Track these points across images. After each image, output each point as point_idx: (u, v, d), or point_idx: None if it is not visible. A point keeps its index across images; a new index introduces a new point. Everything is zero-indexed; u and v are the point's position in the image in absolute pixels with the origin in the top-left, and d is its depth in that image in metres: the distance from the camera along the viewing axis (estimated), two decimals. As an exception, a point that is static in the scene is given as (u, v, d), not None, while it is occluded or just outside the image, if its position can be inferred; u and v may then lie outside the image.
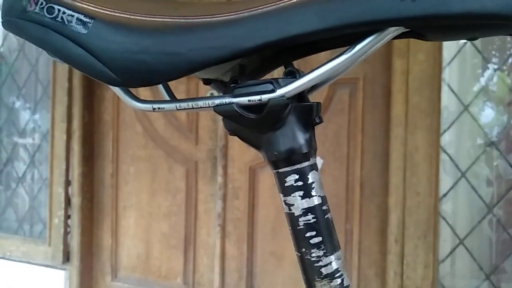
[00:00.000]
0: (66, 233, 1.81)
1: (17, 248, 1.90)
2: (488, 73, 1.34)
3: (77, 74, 1.79)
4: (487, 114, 1.35)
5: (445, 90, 1.34)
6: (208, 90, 1.59)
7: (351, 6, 0.25)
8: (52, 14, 0.27)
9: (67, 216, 1.81)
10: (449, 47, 1.35)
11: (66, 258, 1.81)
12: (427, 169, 1.30)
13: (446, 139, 1.35)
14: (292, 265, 1.51)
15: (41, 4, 0.27)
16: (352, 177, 1.43)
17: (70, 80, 1.80)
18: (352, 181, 1.43)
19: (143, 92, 1.65)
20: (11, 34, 2.08)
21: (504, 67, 1.32)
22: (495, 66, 1.33)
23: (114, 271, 1.79)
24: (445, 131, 1.34)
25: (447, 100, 1.36)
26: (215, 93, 1.63)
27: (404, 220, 1.32)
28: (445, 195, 1.35)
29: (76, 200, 1.79)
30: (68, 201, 1.81)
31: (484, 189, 1.33)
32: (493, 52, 1.34)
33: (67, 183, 1.81)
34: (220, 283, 1.60)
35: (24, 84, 2.04)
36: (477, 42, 1.34)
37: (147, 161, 1.74)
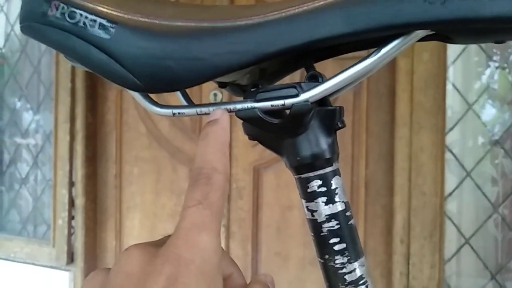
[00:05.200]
0: (70, 234, 1.81)
1: (21, 250, 1.90)
2: (490, 71, 1.34)
3: (79, 75, 1.79)
4: (490, 112, 1.35)
5: (449, 89, 1.33)
6: (210, 91, 1.59)
7: (379, 9, 0.25)
8: (74, 19, 0.27)
9: (71, 217, 1.81)
10: (453, 46, 1.34)
11: (70, 259, 1.81)
12: (432, 169, 1.30)
13: (450, 138, 1.35)
14: (297, 265, 1.51)
15: (63, 8, 0.27)
16: (357, 177, 1.43)
17: (72, 80, 1.80)
18: (357, 182, 1.43)
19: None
20: (12, 35, 2.07)
21: (506, 65, 1.32)
22: (497, 64, 1.33)
23: (118, 272, 1.79)
24: (450, 130, 1.34)
25: (452, 99, 1.35)
26: (219, 94, 1.63)
27: (410, 221, 1.31)
28: (450, 194, 1.34)
29: (79, 201, 1.78)
30: (72, 202, 1.81)
31: (489, 188, 1.33)
32: (494, 50, 1.34)
33: (71, 184, 1.81)
34: (224, 283, 1.60)
35: (27, 85, 2.04)
36: (482, 41, 1.33)
37: (151, 161, 1.73)
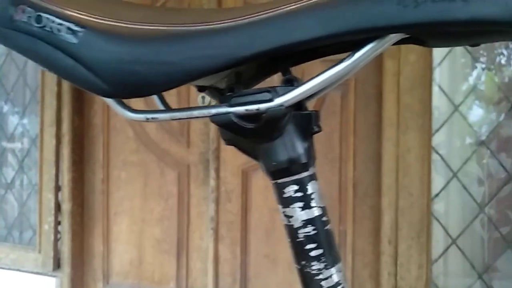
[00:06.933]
0: (56, 240, 1.78)
1: (7, 256, 1.87)
2: (476, 72, 1.35)
3: (65, 78, 1.77)
4: (477, 113, 1.36)
5: (435, 90, 1.34)
6: (198, 94, 1.58)
7: (353, 12, 0.25)
8: (40, 23, 0.26)
9: (58, 222, 1.79)
10: (439, 48, 1.35)
11: (57, 265, 1.78)
12: (419, 170, 1.30)
13: (437, 139, 1.35)
14: (286, 267, 1.51)
15: (29, 13, 0.26)
16: (345, 178, 1.43)
17: (59, 83, 1.78)
18: (345, 183, 1.43)
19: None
20: (-3, 38, 2.05)
21: (492, 66, 1.33)
22: (483, 66, 1.34)
23: (106, 278, 1.77)
24: (436, 131, 1.35)
25: (438, 101, 1.36)
26: (207, 97, 1.62)
27: (397, 221, 1.32)
28: (437, 195, 1.35)
29: (66, 206, 1.76)
30: (58, 207, 1.79)
31: (475, 189, 1.34)
32: (481, 52, 1.35)
33: (57, 188, 1.79)
34: (213, 287, 1.59)
35: (12, 89, 2.01)
36: (467, 42, 1.34)
37: (138, 165, 1.72)
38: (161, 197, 1.68)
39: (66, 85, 1.77)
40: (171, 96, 1.62)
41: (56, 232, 1.78)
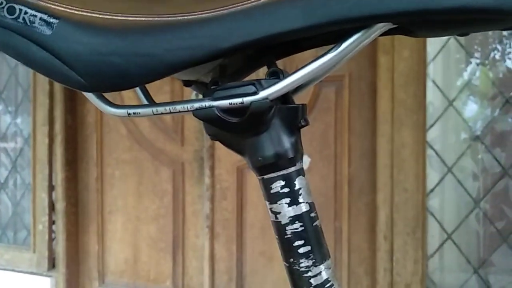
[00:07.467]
0: (51, 239, 1.77)
1: (1, 256, 1.86)
2: (471, 68, 1.35)
3: (58, 77, 1.75)
4: (471, 108, 1.36)
5: (429, 85, 1.34)
6: (193, 90, 1.57)
7: (336, 1, 0.24)
8: (13, 15, 0.25)
9: (52, 222, 1.77)
10: (433, 43, 1.35)
11: (52, 264, 1.77)
12: (414, 166, 1.30)
13: (432, 134, 1.35)
14: (282, 265, 1.50)
15: (1, 3, 0.25)
16: (340, 175, 1.43)
17: (51, 82, 1.76)
18: (340, 179, 1.43)
19: (127, 93, 1.62)
20: (-12, 37, 2.02)
21: (487, 62, 1.33)
22: (478, 61, 1.34)
23: (101, 277, 1.76)
24: (430, 126, 1.35)
25: (432, 96, 1.36)
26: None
27: (393, 217, 1.32)
28: (432, 190, 1.35)
29: (60, 205, 1.75)
30: (52, 207, 1.77)
31: (470, 184, 1.34)
32: (476, 47, 1.35)
33: (51, 188, 1.77)
34: (209, 285, 1.58)
35: (4, 88, 1.99)
36: (461, 37, 1.34)
37: (132, 164, 1.71)
38: (156, 195, 1.67)
39: (58, 84, 1.75)
40: (165, 94, 1.61)
41: (51, 231, 1.77)
